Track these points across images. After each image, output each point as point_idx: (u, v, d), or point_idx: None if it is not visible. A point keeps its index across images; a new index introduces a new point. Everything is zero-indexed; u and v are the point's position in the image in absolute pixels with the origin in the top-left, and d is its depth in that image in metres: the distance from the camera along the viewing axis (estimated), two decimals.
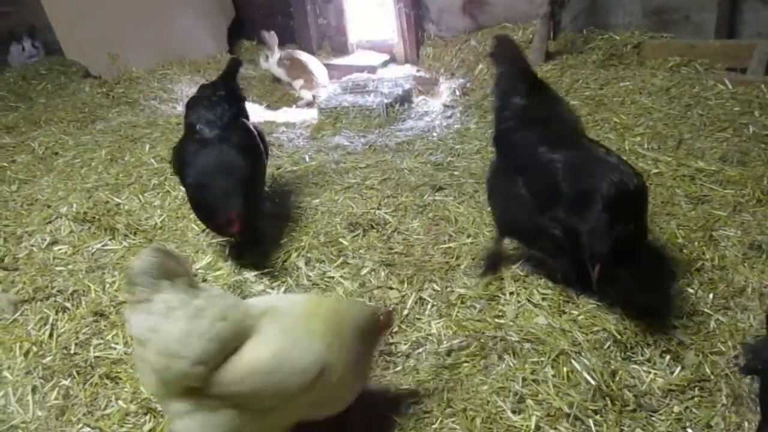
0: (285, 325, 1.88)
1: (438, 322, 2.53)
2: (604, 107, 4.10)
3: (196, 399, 1.80)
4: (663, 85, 4.26)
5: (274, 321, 1.88)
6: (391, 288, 2.74)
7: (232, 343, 1.80)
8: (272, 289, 2.78)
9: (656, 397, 2.13)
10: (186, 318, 1.75)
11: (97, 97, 5.71)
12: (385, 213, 3.24)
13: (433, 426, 2.13)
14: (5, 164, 4.47)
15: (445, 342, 2.44)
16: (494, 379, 2.25)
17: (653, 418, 2.07)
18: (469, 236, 2.98)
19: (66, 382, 2.47)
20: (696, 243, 2.77)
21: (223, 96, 3.17)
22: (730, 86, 4.08)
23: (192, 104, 3.19)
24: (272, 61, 6.06)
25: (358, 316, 2.04)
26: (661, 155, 3.44)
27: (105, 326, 2.71)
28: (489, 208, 2.85)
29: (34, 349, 2.63)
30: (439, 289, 2.69)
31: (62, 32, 6.06)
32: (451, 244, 2.94)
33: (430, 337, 2.47)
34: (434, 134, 4.36)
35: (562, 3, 5.21)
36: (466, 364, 2.33)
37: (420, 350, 2.43)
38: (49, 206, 3.70)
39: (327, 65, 6.31)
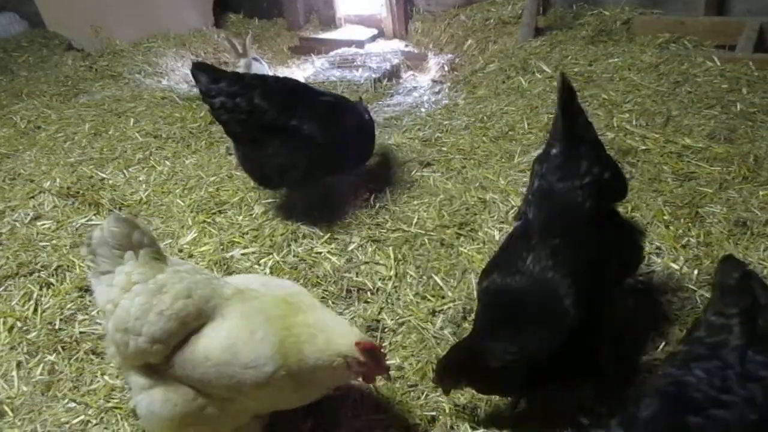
0: (249, 316, 1.76)
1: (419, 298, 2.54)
2: (593, 84, 4.08)
3: (157, 374, 1.78)
4: (652, 61, 4.24)
5: (240, 308, 1.78)
6: (378, 263, 2.74)
7: (193, 323, 1.75)
8: (258, 265, 2.77)
9: (641, 372, 2.15)
10: (146, 293, 1.71)
11: (81, 70, 5.61)
12: (374, 188, 3.23)
13: (419, 400, 2.14)
14: None
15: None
16: None
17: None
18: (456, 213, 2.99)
19: (51, 358, 2.45)
20: (682, 220, 2.78)
21: None
22: (718, 63, 4.08)
23: None
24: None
25: (327, 340, 1.75)
26: (649, 132, 3.44)
27: (90, 302, 2.69)
28: None
29: (18, 324, 2.61)
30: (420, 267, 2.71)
31: (44, 3, 5.94)
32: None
33: (413, 311, 2.48)
34: (422, 110, 4.34)
35: None
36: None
37: (404, 326, 2.44)
38: (32, 181, 3.65)
39: (315, 39, 6.24)
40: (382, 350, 1.82)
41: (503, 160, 3.37)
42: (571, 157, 2.05)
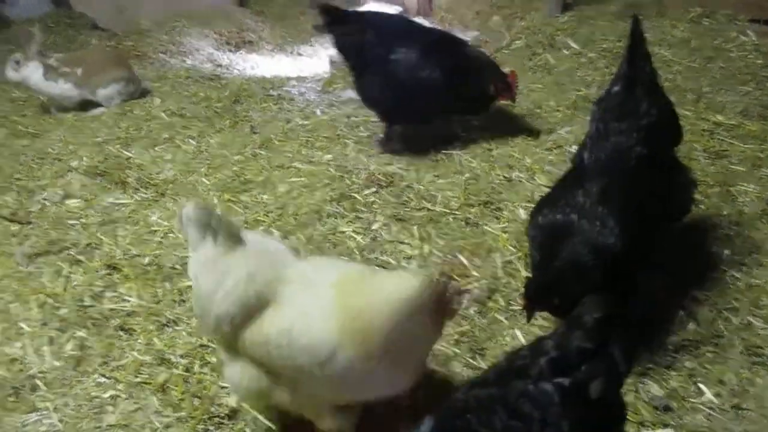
0: (306, 299, 1.75)
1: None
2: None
3: (235, 350, 1.83)
4: (684, 36, 4.14)
5: (299, 291, 1.77)
6: (403, 242, 2.73)
7: (255, 306, 1.76)
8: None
9: (669, 352, 2.12)
10: (215, 273, 1.78)
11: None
12: (398, 167, 3.21)
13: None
14: (16, 118, 4.46)
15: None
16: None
17: (666, 374, 2.06)
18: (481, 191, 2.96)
19: (81, 334, 2.49)
20: (713, 199, 2.72)
21: None
22: (753, 38, 3.96)
23: None
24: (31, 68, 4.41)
25: (402, 296, 1.64)
26: (680, 109, 3.32)
27: (118, 279, 2.73)
28: None
29: (50, 301, 2.66)
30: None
31: None
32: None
33: None
34: None
35: None
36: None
37: None
38: (60, 160, 3.70)
39: None
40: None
41: (529, 138, 3.32)
42: (630, 98, 2.11)
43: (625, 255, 1.93)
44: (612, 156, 2.08)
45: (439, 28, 5.33)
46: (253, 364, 1.82)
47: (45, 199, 3.36)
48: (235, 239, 1.83)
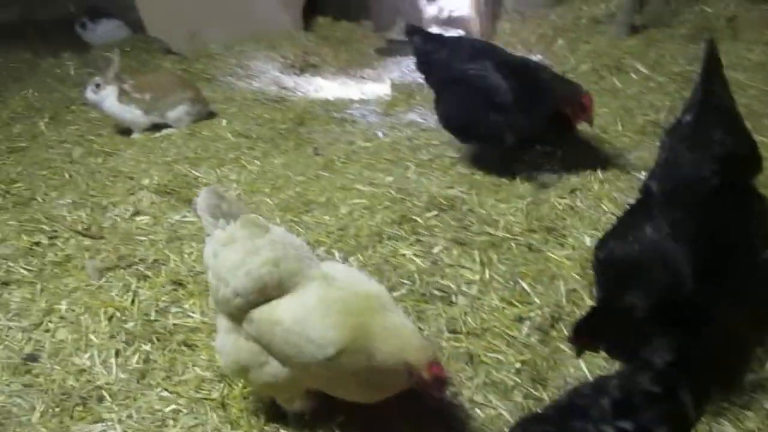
0: (325, 299, 1.89)
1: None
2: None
3: (237, 323, 1.97)
4: (759, 59, 4.00)
5: (321, 291, 1.91)
6: (463, 267, 2.70)
7: (274, 291, 1.90)
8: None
9: (746, 391, 2.01)
10: (242, 251, 1.91)
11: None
12: (460, 191, 3.18)
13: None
14: (92, 137, 4.66)
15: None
16: None
17: (742, 415, 1.95)
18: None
19: (146, 347, 2.56)
20: None
21: None
22: None
23: None
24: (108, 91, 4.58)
25: (404, 352, 1.81)
26: (756, 135, 3.20)
27: (183, 295, 2.79)
28: None
29: (118, 314, 2.74)
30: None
31: (145, 10, 6.25)
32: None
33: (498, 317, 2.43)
34: None
35: None
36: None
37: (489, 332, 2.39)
38: (131, 178, 3.84)
39: (400, 42, 6.24)
40: (447, 378, 1.88)
41: (596, 163, 3.24)
42: (703, 127, 1.99)
43: (695, 295, 1.82)
44: (683, 187, 1.98)
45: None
46: (249, 340, 1.95)
47: (116, 215, 3.49)
48: (257, 226, 1.95)
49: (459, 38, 3.65)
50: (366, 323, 1.85)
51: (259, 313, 1.91)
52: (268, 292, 1.91)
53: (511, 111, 3.16)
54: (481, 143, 3.49)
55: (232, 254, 1.92)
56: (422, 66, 3.53)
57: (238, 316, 1.96)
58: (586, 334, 1.94)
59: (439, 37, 3.58)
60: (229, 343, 2.03)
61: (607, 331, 1.92)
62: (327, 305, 1.88)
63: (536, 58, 5.28)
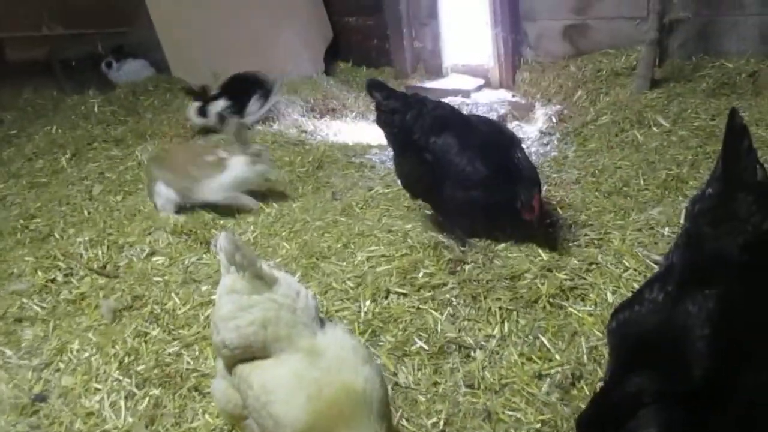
0: (300, 377, 1.78)
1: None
2: (716, 139, 3.83)
3: (228, 371, 1.95)
4: None
5: (300, 366, 1.80)
6: (481, 321, 2.64)
7: (258, 351, 1.86)
8: (357, 315, 2.72)
9: None
10: (236, 305, 1.88)
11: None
12: (477, 241, 3.15)
13: None
14: (112, 175, 4.70)
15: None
16: None
17: None
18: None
19: (156, 392, 2.52)
20: None
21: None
22: None
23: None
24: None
25: None
26: None
27: (196, 339, 2.75)
28: None
29: (129, 356, 2.71)
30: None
31: (171, 52, 6.38)
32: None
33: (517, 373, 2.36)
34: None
35: (670, 28, 5.00)
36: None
37: (508, 388, 2.32)
38: (149, 218, 3.85)
39: (421, 88, 6.31)
40: None
41: (617, 217, 3.20)
42: (727, 202, 1.87)
43: (709, 387, 1.66)
44: (706, 265, 1.84)
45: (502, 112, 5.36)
46: (236, 391, 1.91)
47: (132, 255, 3.49)
48: (262, 281, 1.90)
49: (422, 101, 3.30)
50: (334, 416, 1.72)
51: (241, 370, 1.88)
52: (252, 351, 1.87)
53: (476, 189, 3.03)
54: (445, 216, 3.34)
55: (228, 304, 1.90)
56: (381, 122, 3.35)
57: (228, 365, 1.95)
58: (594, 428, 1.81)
59: (402, 96, 3.35)
60: (220, 389, 2.03)
61: (615, 420, 1.77)
62: (299, 383, 1.77)
63: (556, 108, 5.31)
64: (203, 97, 5.58)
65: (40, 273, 3.37)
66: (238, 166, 3.85)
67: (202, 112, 5.52)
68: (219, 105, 5.54)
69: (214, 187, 3.84)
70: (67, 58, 8.15)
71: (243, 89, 5.66)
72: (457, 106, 5.23)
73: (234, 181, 3.86)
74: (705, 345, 1.68)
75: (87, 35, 8.23)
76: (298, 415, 1.73)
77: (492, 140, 3.15)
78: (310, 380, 1.77)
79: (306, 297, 1.96)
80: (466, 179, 3.04)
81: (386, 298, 2.80)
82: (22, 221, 4.14)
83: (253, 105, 5.64)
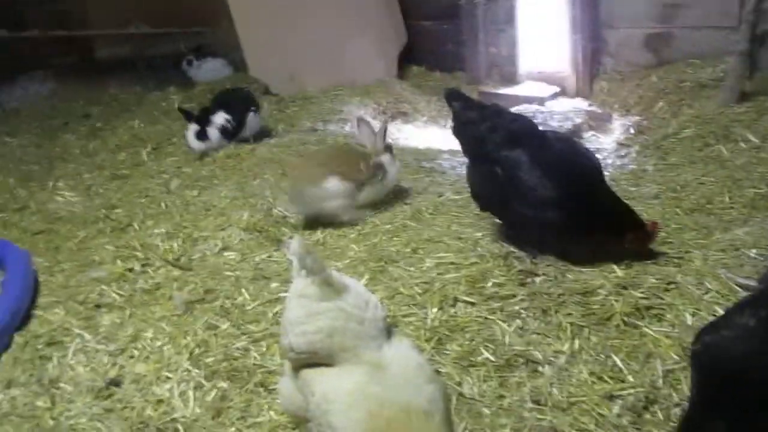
0: (361, 391, 1.75)
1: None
2: None
3: (295, 372, 1.96)
4: None
5: (362, 377, 1.77)
6: (551, 334, 2.57)
7: (324, 359, 1.85)
8: (423, 322, 2.70)
9: None
10: (305, 310, 1.88)
11: (274, 113, 6.07)
12: (550, 256, 3.05)
13: None
14: (189, 170, 4.86)
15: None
16: None
17: None
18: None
19: (224, 385, 2.56)
20: None
21: None
22: None
23: None
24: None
25: None
26: None
27: (262, 335, 2.80)
28: None
29: (199, 348, 2.77)
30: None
31: (249, 51, 6.55)
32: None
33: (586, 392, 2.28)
34: (606, 173, 4.10)
35: (762, 40, 4.76)
36: None
37: (576, 407, 2.25)
38: (223, 214, 3.94)
39: (494, 95, 6.24)
40: None
41: (699, 236, 3.06)
42: None
43: None
44: None
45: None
46: (300, 393, 1.92)
47: (206, 249, 3.59)
48: (331, 288, 1.88)
49: (499, 112, 3.21)
50: None
51: (305, 374, 1.88)
52: (318, 357, 1.86)
53: (545, 209, 2.91)
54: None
55: (297, 309, 1.90)
56: (456, 132, 3.27)
57: (294, 367, 1.96)
58: None
59: (480, 107, 3.25)
60: (286, 388, 2.05)
61: None
62: (360, 397, 1.73)
63: (635, 119, 5.14)
64: (199, 118, 5.17)
65: (119, 262, 3.51)
66: (392, 167, 3.84)
67: (202, 135, 5.11)
68: (220, 119, 5.18)
69: (379, 188, 3.80)
70: (150, 56, 8.51)
71: (236, 103, 5.36)
72: (532, 114, 5.23)
73: (393, 182, 3.85)
74: None
75: (170, 34, 8.56)
76: (355, 429, 1.70)
77: (572, 162, 3.03)
78: (371, 395, 1.73)
79: (375, 307, 1.94)
80: (536, 198, 2.92)
81: (453, 306, 2.77)
82: (104, 211, 4.34)
83: (252, 120, 5.35)
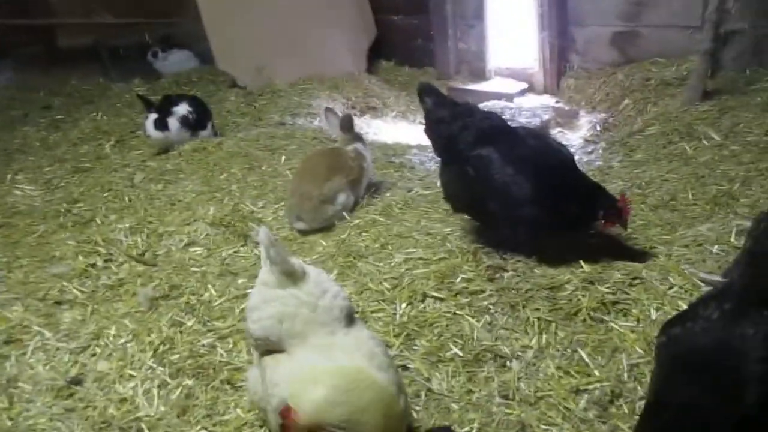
0: (306, 373, 1.80)
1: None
2: None
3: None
4: None
5: (311, 357, 1.84)
6: (518, 330, 2.59)
7: (274, 344, 1.92)
8: (392, 317, 2.69)
9: None
10: (262, 297, 1.96)
11: (241, 107, 5.99)
12: (514, 251, 3.07)
13: None
14: (154, 164, 4.76)
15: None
16: None
17: None
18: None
19: (189, 383, 2.52)
20: None
21: None
22: None
23: None
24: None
25: None
26: None
27: (229, 332, 2.76)
28: None
29: (164, 345, 2.72)
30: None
31: (216, 44, 6.45)
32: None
33: (553, 386, 2.30)
34: None
35: (725, 39, 4.85)
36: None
37: (543, 401, 2.27)
38: (188, 208, 3.87)
39: (463, 90, 6.26)
40: None
41: (663, 232, 3.11)
42: None
43: (766, 415, 1.59)
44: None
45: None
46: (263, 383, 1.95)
47: (171, 244, 3.52)
48: (290, 277, 1.93)
49: (471, 111, 3.14)
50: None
51: (263, 361, 1.95)
52: (272, 344, 1.93)
53: (520, 205, 2.91)
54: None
55: (256, 295, 1.99)
56: (427, 131, 3.20)
57: (259, 353, 2.01)
58: None
59: (453, 105, 3.17)
60: (252, 377, 2.09)
61: None
62: (300, 375, 1.80)
63: (601, 116, 5.20)
64: (160, 107, 4.96)
65: (80, 257, 3.43)
66: (367, 153, 3.91)
67: (162, 124, 4.90)
68: (182, 110, 5.02)
69: (364, 182, 3.86)
70: (114, 46, 8.31)
71: (197, 102, 5.27)
72: (500, 111, 5.26)
73: (371, 168, 3.92)
74: (761, 368, 1.61)
75: (135, 24, 8.37)
76: (297, 405, 1.71)
77: (544, 156, 3.01)
78: (318, 376, 1.77)
79: (334, 297, 1.97)
80: (510, 196, 2.91)
81: (422, 301, 2.76)
82: (65, 205, 4.23)
83: (209, 121, 5.27)
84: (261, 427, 2.28)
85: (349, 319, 1.98)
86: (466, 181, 3.03)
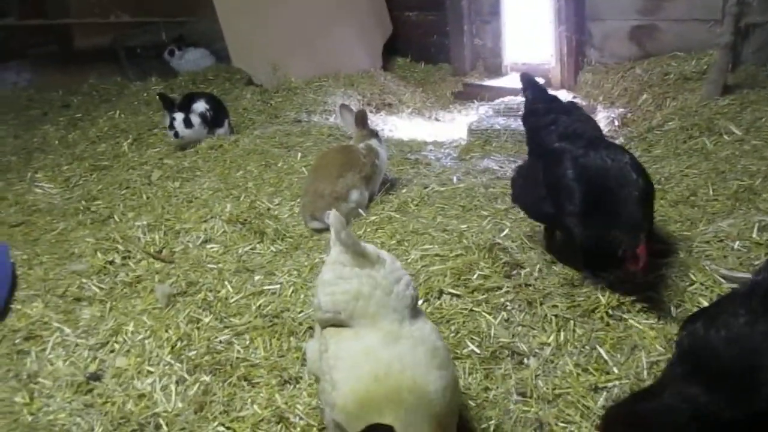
0: (369, 354, 1.81)
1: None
2: None
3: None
4: None
5: (373, 342, 1.84)
6: (536, 326, 2.57)
7: (343, 320, 1.91)
8: None
9: None
10: (335, 274, 1.96)
11: (257, 104, 6.00)
12: (535, 249, 3.04)
13: None
14: (171, 162, 4.78)
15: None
16: None
17: None
18: None
19: (207, 379, 2.53)
20: None
21: None
22: None
23: None
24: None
25: None
26: None
27: (248, 328, 2.76)
28: None
29: (181, 342, 2.73)
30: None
31: (232, 42, 6.47)
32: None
33: (572, 384, 2.28)
34: None
35: (746, 33, 4.78)
36: None
37: (561, 399, 2.25)
38: (205, 205, 3.89)
39: (479, 86, 6.23)
40: None
41: (683, 228, 3.06)
42: None
43: None
44: None
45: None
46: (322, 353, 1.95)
47: (188, 241, 3.53)
48: (366, 258, 1.95)
49: (567, 109, 3.05)
50: (391, 404, 1.71)
51: (326, 332, 1.95)
52: (340, 318, 1.92)
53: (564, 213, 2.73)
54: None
55: (329, 272, 1.99)
56: (522, 120, 3.22)
57: (321, 327, 2.02)
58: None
59: (551, 99, 3.14)
60: (312, 349, 2.10)
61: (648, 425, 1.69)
62: (367, 360, 1.80)
63: (619, 111, 5.14)
64: (181, 106, 5.08)
65: (99, 254, 3.45)
66: (381, 149, 3.91)
67: (188, 123, 5.02)
68: (200, 107, 5.13)
69: (377, 172, 3.86)
70: (131, 45, 8.38)
71: (214, 100, 5.38)
72: (516, 106, 5.22)
73: (385, 163, 3.91)
74: None
75: (152, 24, 8.44)
76: (356, 387, 1.76)
77: (607, 175, 2.68)
78: (379, 360, 1.79)
79: (406, 286, 1.98)
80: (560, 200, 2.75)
81: (439, 298, 2.75)
82: (84, 203, 4.27)
83: (226, 118, 5.35)
84: (278, 423, 2.28)
85: (416, 310, 1.99)
86: (534, 173, 2.97)
